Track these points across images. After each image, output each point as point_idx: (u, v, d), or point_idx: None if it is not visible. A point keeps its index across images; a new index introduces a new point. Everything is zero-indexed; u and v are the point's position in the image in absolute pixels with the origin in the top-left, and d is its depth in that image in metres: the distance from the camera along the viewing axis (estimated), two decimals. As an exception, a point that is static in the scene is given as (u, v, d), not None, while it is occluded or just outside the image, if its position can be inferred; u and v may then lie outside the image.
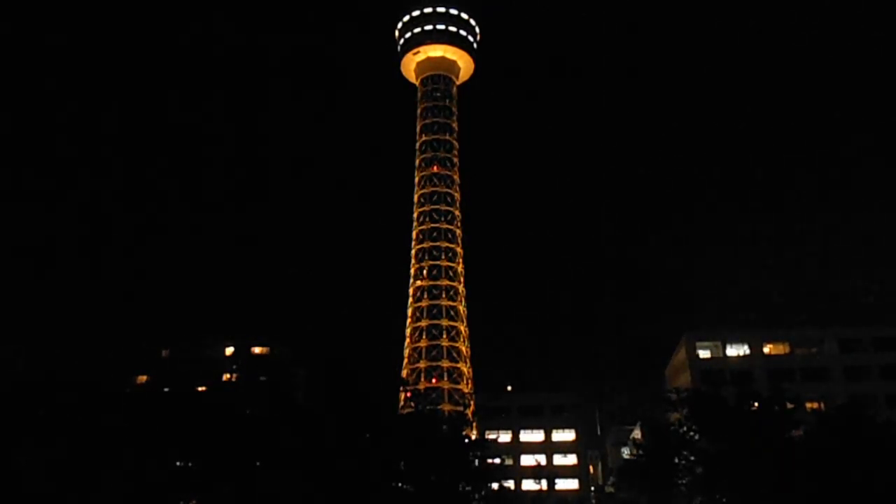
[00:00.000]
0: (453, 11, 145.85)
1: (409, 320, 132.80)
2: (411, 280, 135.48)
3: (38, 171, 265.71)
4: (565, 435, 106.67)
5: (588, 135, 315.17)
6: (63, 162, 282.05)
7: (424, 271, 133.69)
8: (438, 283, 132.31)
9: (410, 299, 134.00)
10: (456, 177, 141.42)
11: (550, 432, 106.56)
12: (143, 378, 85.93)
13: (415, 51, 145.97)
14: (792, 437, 50.41)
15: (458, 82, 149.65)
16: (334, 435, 44.83)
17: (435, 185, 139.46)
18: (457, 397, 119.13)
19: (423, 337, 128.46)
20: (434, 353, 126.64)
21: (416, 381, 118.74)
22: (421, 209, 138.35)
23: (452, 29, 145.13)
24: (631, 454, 68.87)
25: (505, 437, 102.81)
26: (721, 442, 50.75)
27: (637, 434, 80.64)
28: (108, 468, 42.07)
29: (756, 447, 47.74)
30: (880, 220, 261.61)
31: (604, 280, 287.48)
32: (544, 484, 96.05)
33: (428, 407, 60.21)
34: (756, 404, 52.24)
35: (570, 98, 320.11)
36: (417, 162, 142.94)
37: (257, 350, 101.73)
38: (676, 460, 54.17)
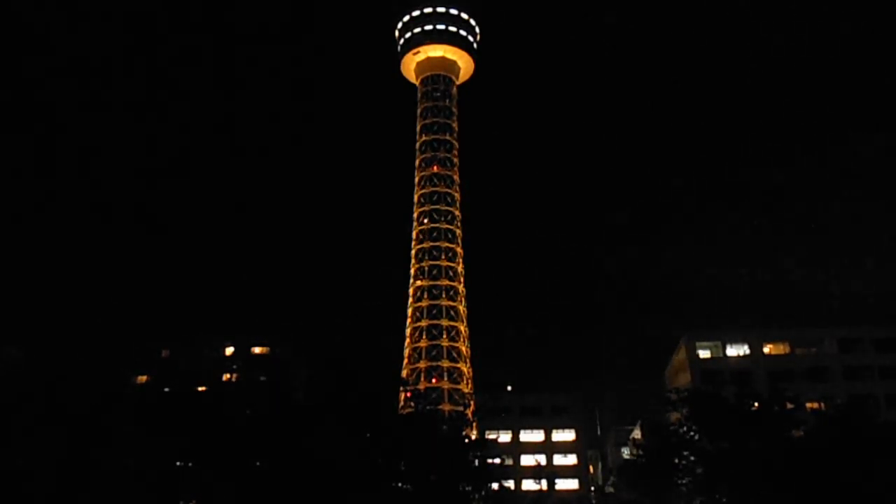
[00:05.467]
0: (453, 11, 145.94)
1: (409, 320, 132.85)
2: (411, 280, 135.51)
3: (37, 170, 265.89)
4: (565, 435, 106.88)
5: (588, 134, 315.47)
6: (63, 159, 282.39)
7: (424, 271, 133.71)
8: (438, 283, 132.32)
9: (410, 299, 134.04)
10: (456, 177, 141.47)
11: (550, 432, 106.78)
12: (143, 378, 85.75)
13: (415, 51, 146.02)
14: (792, 436, 50.46)
15: (458, 82, 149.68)
16: (334, 435, 44.82)
17: (435, 185, 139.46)
18: (457, 397, 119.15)
19: (423, 337, 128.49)
20: (434, 353, 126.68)
21: (416, 381, 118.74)
22: (421, 209, 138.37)
23: (452, 29, 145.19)
24: (631, 454, 68.96)
25: (505, 437, 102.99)
26: (721, 442, 50.79)
27: (637, 434, 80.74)
28: (108, 468, 42.07)
29: (756, 447, 47.77)
30: (880, 220, 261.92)
31: (604, 280, 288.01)
32: (544, 484, 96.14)
33: (428, 407, 60.16)
34: (756, 404, 52.26)
35: (569, 98, 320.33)
36: (417, 162, 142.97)
37: (257, 350, 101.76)
38: (676, 460, 54.15)
